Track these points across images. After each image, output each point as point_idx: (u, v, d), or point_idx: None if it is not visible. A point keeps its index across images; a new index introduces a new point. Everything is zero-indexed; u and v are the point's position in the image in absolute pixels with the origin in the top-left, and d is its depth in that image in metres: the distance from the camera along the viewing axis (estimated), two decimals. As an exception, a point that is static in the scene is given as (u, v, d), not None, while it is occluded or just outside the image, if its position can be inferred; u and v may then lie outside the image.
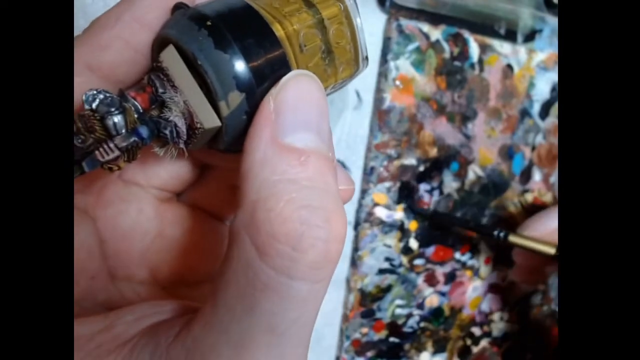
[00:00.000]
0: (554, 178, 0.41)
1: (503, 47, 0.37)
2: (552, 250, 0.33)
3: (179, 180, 0.26)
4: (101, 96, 0.19)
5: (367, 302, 0.36)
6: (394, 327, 0.37)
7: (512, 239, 0.35)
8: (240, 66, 0.19)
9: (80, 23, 0.30)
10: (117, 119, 0.19)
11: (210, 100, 0.19)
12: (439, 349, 0.40)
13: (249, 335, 0.18)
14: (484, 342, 0.42)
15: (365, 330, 0.36)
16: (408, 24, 0.34)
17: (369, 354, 0.36)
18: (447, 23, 0.35)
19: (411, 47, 0.34)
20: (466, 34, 0.36)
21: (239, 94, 0.19)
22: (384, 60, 0.34)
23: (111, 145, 0.19)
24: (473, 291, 0.41)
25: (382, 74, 0.34)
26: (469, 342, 0.42)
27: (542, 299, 0.44)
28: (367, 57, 0.22)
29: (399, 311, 0.37)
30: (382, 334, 0.36)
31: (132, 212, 0.25)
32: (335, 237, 0.18)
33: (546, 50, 0.37)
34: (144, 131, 0.20)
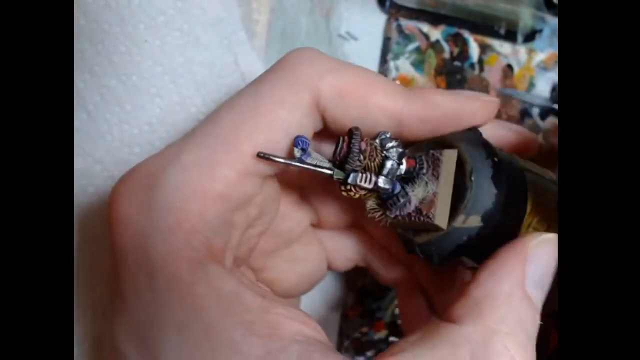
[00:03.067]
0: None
1: (503, 47, 0.37)
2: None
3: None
4: (394, 142, 0.23)
5: (367, 302, 0.36)
6: (394, 327, 0.37)
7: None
8: (496, 204, 0.22)
9: (80, 23, 0.29)
10: (394, 166, 0.22)
11: (453, 207, 0.22)
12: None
13: None
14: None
15: (365, 329, 0.36)
16: (408, 24, 0.34)
17: (369, 353, 0.36)
18: (447, 23, 0.35)
19: (411, 47, 0.34)
20: (466, 34, 0.36)
21: (478, 220, 0.22)
22: (383, 60, 0.34)
23: (373, 178, 0.22)
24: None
25: (382, 74, 0.34)
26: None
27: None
28: None
29: (399, 311, 0.37)
30: (382, 333, 0.36)
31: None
32: None
33: (546, 50, 0.37)
34: (397, 187, 0.23)
